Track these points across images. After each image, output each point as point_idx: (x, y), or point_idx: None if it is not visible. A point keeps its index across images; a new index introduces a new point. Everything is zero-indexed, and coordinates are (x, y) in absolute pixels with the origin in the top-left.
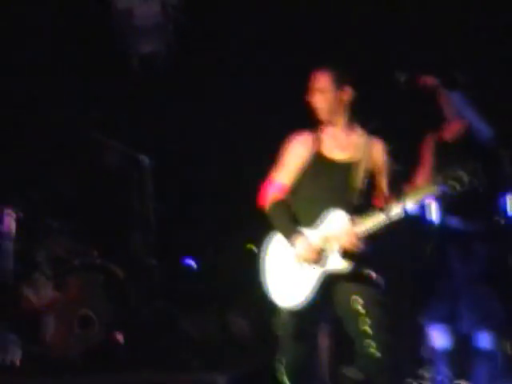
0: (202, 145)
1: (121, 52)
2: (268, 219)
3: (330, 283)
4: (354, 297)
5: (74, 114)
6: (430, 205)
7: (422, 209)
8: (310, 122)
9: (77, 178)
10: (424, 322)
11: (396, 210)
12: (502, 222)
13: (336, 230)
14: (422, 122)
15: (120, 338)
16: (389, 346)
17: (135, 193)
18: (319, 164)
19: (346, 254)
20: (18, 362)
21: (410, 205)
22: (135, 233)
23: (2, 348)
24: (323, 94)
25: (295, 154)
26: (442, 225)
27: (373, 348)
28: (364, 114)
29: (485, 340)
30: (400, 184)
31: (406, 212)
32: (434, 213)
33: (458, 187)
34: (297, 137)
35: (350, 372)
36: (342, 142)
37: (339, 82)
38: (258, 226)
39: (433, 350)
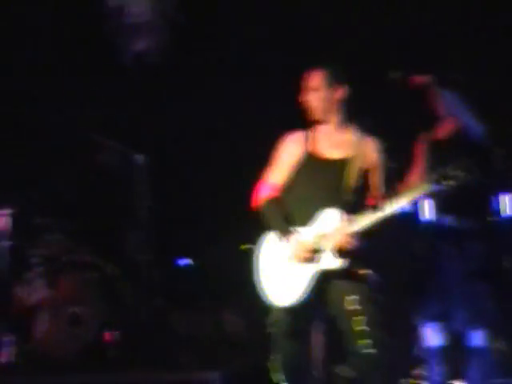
0: (197, 144)
1: (116, 50)
2: (262, 219)
3: (323, 281)
4: (348, 295)
5: (68, 113)
6: (423, 203)
7: (416, 207)
8: (303, 120)
9: (71, 176)
10: (417, 320)
11: (389, 209)
12: (495, 220)
13: (330, 229)
14: (415, 121)
15: (112, 336)
16: (382, 344)
17: (130, 191)
18: (313, 163)
19: (340, 253)
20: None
21: (404, 203)
22: (129, 231)
23: None
24: (316, 92)
25: (288, 153)
26: (436, 223)
27: (366, 346)
28: (357, 113)
29: (478, 338)
30: (393, 182)
31: (399, 210)
32: (427, 211)
33: (451, 184)
34: (289, 136)
35: (344, 370)
36: (336, 141)
37: (332, 81)
38: (253, 225)
39: (426, 348)
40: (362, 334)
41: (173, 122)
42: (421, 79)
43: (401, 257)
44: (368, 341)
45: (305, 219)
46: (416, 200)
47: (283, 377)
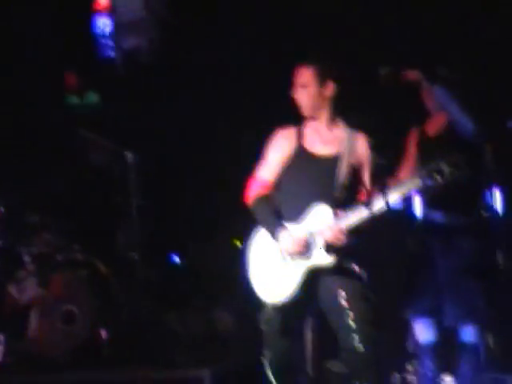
0: (187, 142)
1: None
2: (252, 215)
3: (314, 278)
4: (338, 291)
5: (58, 111)
6: (413, 199)
7: (406, 203)
8: (293, 116)
9: (61, 174)
10: (408, 315)
11: (380, 204)
12: (485, 215)
13: (320, 225)
14: (406, 116)
15: (104, 334)
16: (373, 340)
17: (121, 190)
18: (303, 159)
19: (330, 249)
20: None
21: (394, 199)
22: (120, 229)
23: None
24: (306, 89)
25: (278, 150)
26: (426, 219)
27: (357, 342)
28: (347, 109)
29: (469, 334)
30: (383, 178)
31: (389, 206)
32: (417, 207)
33: (440, 179)
34: (279, 132)
35: (335, 366)
36: (326, 137)
37: (322, 77)
38: (243, 222)
39: (417, 343)
40: (353, 330)
41: (163, 119)
42: (411, 75)
43: (392, 253)
44: (358, 337)
45: (295, 215)
46: (406, 196)
47: (274, 374)
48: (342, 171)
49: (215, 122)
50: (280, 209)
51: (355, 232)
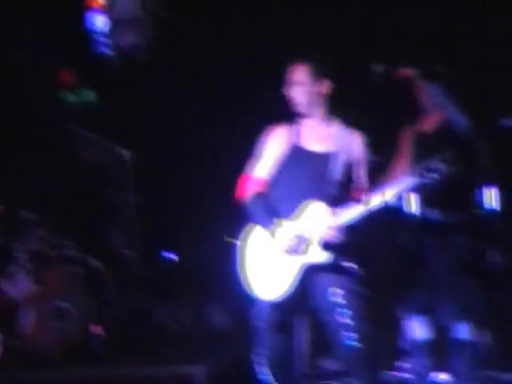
0: (182, 140)
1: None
2: (246, 213)
3: (308, 274)
4: (333, 288)
5: (51, 108)
6: (407, 196)
7: (400, 200)
8: (287, 114)
9: (56, 171)
10: (403, 313)
11: (374, 202)
12: (481, 213)
13: (315, 222)
14: (400, 114)
15: (98, 331)
16: (367, 337)
17: (116, 187)
18: (298, 156)
19: (325, 246)
20: None
21: (388, 196)
22: (114, 226)
23: None
24: (301, 86)
25: (272, 147)
26: (420, 216)
27: (351, 339)
28: (341, 107)
29: (463, 331)
30: (378, 175)
31: (384, 203)
32: (412, 204)
33: (434, 177)
34: (273, 129)
35: (329, 363)
36: (321, 134)
37: (317, 75)
38: (236, 218)
39: (412, 341)
40: (348, 328)
41: (159, 118)
42: (405, 72)
43: (386, 250)
44: (352, 334)
45: (290, 212)
46: (400, 193)
47: (268, 370)
48: (338, 168)
49: (212, 121)
50: (275, 206)
51: (350, 229)
